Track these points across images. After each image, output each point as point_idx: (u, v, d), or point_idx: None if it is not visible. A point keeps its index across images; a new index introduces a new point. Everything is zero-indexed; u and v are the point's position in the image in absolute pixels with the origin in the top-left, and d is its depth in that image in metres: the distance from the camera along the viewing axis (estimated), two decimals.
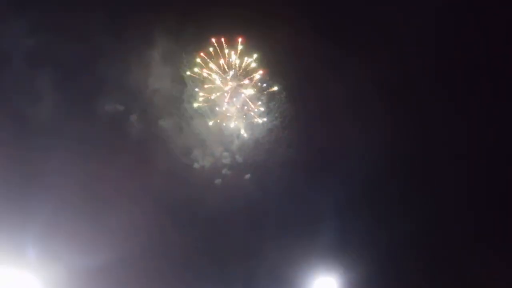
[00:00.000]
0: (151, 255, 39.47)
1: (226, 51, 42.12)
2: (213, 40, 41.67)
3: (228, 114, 42.45)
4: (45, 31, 39.83)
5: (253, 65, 42.26)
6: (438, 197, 40.66)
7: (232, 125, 42.50)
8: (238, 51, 42.12)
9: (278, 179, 41.52)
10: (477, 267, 38.79)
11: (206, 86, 42.20)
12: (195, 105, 42.03)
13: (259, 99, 42.70)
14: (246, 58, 42.09)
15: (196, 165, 42.38)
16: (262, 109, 42.57)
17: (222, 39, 41.73)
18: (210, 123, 42.15)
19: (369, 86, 41.19)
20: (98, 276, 37.82)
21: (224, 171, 42.55)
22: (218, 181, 42.35)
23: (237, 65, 42.41)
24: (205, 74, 42.15)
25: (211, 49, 41.71)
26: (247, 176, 42.64)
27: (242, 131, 42.84)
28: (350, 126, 41.39)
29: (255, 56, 41.92)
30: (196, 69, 41.85)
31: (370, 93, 41.07)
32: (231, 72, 42.45)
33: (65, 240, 37.71)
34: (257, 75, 42.43)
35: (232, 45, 42.08)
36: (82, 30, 40.48)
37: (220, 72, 42.60)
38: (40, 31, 39.78)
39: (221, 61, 42.11)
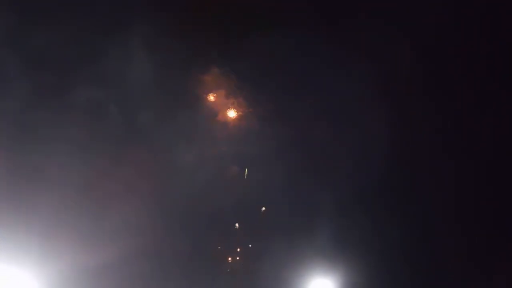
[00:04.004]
0: (150, 254, 39.97)
1: None
2: None
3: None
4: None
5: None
6: (438, 203, 39.84)
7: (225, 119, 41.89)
8: None
9: (274, 179, 41.45)
10: (475, 276, 38.46)
11: None
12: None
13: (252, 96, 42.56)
14: None
15: (193, 163, 42.73)
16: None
17: None
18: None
19: (370, 87, 39.91)
20: (98, 275, 39.24)
21: (216, 169, 42.40)
22: (210, 180, 42.30)
23: None
24: None
25: None
26: (241, 176, 42.73)
27: (236, 126, 42.77)
28: (348, 128, 40.61)
29: None
30: None
31: (370, 95, 39.74)
32: None
33: (64, 239, 38.81)
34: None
35: None
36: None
37: None
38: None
39: None
